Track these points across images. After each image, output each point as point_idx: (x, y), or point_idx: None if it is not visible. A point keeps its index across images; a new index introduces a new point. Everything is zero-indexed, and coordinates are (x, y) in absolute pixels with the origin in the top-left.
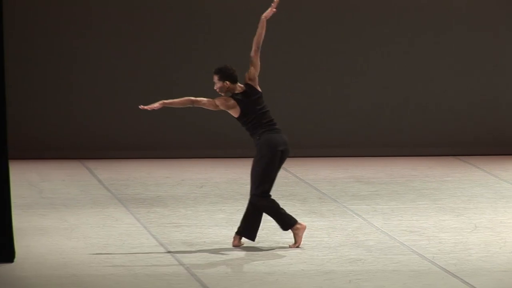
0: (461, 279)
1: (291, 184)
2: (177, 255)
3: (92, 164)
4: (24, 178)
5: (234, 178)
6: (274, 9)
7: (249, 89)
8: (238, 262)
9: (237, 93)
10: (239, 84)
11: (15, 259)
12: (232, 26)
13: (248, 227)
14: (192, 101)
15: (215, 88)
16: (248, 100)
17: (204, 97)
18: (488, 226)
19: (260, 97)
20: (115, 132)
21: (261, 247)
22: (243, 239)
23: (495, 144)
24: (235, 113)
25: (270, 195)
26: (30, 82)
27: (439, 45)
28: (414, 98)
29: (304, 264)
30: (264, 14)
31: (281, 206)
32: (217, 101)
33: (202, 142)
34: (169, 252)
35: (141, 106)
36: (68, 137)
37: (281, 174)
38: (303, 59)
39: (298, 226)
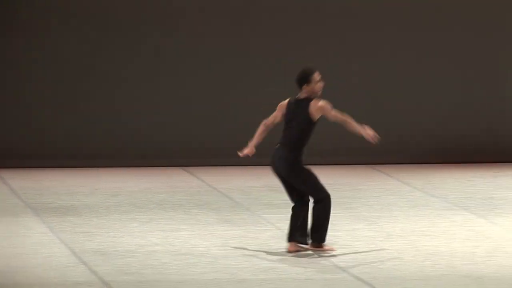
0: (374, 287)
1: (205, 193)
2: (90, 264)
3: (5, 173)
4: None
5: (148, 187)
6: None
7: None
8: (151, 271)
9: None
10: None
11: None
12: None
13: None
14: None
15: (320, 88)
16: None
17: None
18: (401, 234)
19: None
20: (28, 141)
21: (175, 255)
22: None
23: (407, 153)
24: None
25: (294, 204)
26: None
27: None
28: None
29: (217, 273)
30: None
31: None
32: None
33: (115, 151)
34: (82, 261)
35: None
36: None
37: (195, 184)
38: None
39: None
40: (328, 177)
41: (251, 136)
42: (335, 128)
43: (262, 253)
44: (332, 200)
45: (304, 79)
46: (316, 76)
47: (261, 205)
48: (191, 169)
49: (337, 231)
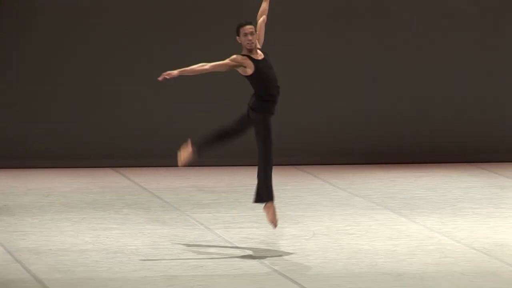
0: (300, 284)
1: (135, 193)
2: (24, 262)
3: None
4: None
5: (79, 187)
6: None
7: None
8: (83, 269)
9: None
10: None
11: None
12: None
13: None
14: (213, 66)
15: (252, 40)
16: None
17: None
18: (326, 233)
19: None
20: None
21: (106, 254)
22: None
23: (332, 153)
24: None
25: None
26: None
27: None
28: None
29: (148, 271)
30: None
31: None
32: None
33: (46, 152)
34: (16, 259)
35: (160, 78)
36: None
37: (125, 184)
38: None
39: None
40: (254, 178)
41: (177, 136)
42: None
43: (191, 251)
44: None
45: (236, 31)
46: (244, 30)
47: (189, 204)
48: (121, 170)
49: (263, 230)
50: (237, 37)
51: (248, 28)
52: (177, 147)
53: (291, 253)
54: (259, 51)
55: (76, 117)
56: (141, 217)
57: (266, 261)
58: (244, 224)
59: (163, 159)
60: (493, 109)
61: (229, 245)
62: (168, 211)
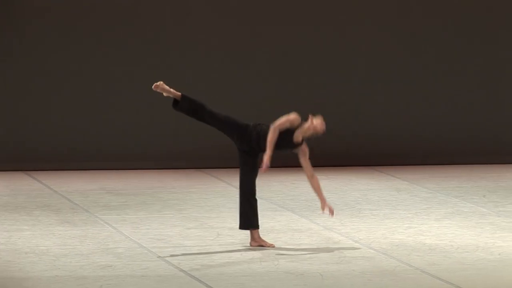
0: (206, 283)
1: (45, 195)
2: None
3: None
4: None
5: None
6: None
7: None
8: None
9: None
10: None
11: None
12: None
13: None
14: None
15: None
16: None
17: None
18: (230, 233)
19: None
20: None
21: (18, 254)
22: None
23: (235, 157)
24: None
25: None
26: None
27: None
28: (150, 116)
29: (58, 271)
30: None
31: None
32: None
33: None
34: None
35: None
36: None
37: (36, 187)
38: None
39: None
40: (160, 181)
41: (87, 141)
42: (168, 132)
43: (100, 251)
44: (167, 202)
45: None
46: (322, 126)
47: (98, 206)
48: (32, 173)
49: (169, 231)
50: (312, 119)
51: (322, 129)
52: (87, 151)
53: (196, 253)
54: (301, 138)
55: None
56: (51, 219)
57: (172, 261)
58: (151, 225)
59: (73, 162)
60: (391, 116)
61: (137, 245)
62: (77, 213)
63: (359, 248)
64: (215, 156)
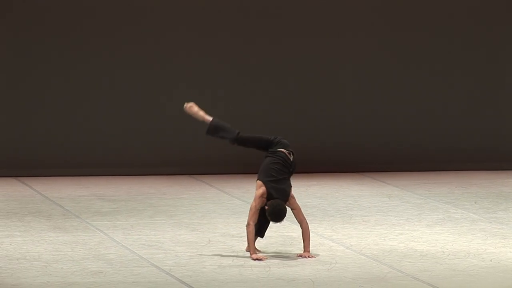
0: None
1: (37, 201)
2: None
3: None
4: None
5: None
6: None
7: None
8: None
9: None
10: None
11: None
12: None
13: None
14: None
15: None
16: None
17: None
18: (221, 240)
19: None
20: None
21: (9, 260)
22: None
23: (226, 163)
24: None
25: None
26: None
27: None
28: (141, 123)
29: (49, 277)
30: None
31: None
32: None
33: None
34: None
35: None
36: None
37: (28, 193)
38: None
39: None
40: (151, 187)
41: (78, 148)
42: (159, 139)
43: (91, 257)
44: (158, 208)
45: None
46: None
47: (90, 213)
48: (24, 179)
49: (160, 237)
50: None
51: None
52: (78, 157)
53: (188, 259)
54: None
55: None
56: (43, 225)
57: (164, 267)
58: (142, 232)
59: (65, 169)
60: (381, 123)
61: (128, 251)
62: (69, 219)
63: (350, 255)
64: (206, 162)
